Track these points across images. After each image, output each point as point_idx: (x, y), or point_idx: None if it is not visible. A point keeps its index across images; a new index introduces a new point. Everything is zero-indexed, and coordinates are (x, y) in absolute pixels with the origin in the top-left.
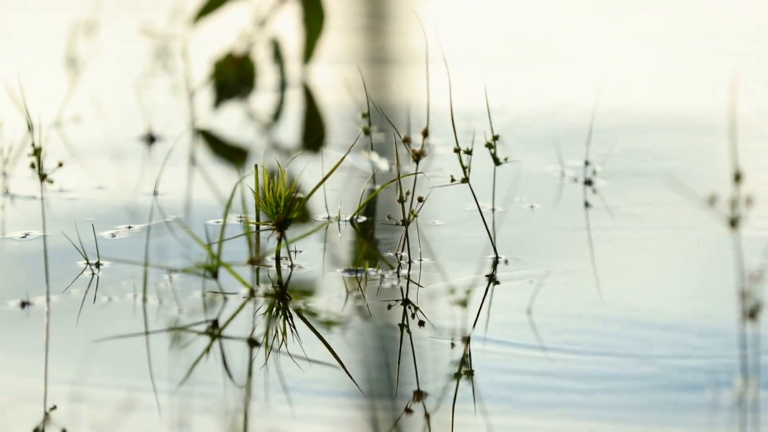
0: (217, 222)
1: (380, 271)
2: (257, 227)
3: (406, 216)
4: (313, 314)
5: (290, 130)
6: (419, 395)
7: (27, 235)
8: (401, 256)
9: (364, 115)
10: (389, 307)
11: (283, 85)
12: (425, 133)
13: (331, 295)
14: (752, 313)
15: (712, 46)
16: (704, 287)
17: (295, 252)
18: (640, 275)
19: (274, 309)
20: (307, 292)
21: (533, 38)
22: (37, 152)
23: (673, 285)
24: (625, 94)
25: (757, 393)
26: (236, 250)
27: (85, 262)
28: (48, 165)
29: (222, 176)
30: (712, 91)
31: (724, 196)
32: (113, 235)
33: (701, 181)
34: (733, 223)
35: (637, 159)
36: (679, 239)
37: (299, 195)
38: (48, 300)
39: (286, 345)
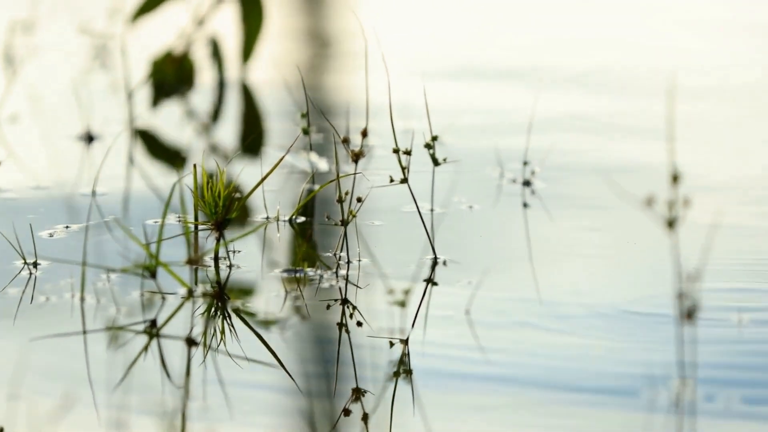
0: (156, 222)
1: (319, 272)
2: (196, 227)
3: (345, 216)
4: (252, 314)
5: (229, 129)
6: (358, 394)
7: None
8: (340, 257)
9: (303, 115)
10: (328, 307)
11: (221, 85)
12: (364, 134)
13: (270, 295)
14: (689, 314)
15: (660, 41)
16: (641, 288)
17: (234, 252)
18: (577, 276)
19: (213, 309)
20: (246, 292)
21: (473, 35)
22: None
23: (610, 286)
24: (565, 91)
25: (693, 394)
26: (175, 250)
27: (23, 261)
28: None
29: (160, 176)
30: (650, 90)
31: (662, 196)
32: (51, 235)
33: (640, 180)
34: (671, 223)
35: (575, 159)
36: (616, 240)
37: (238, 195)
38: None
39: (224, 345)
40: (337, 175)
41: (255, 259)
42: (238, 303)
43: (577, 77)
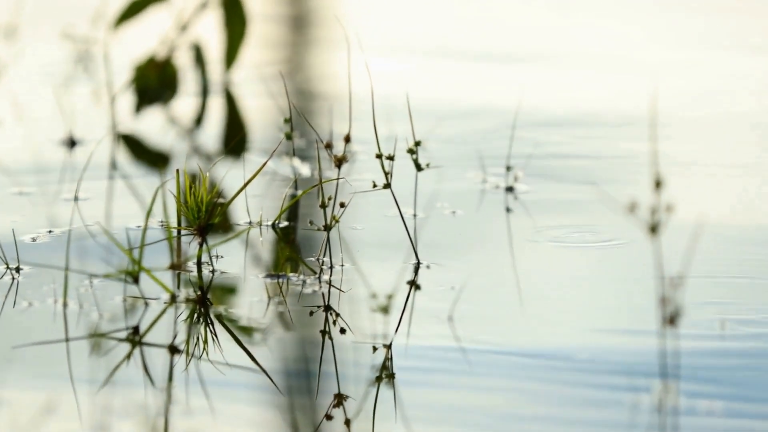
0: (139, 227)
1: (302, 277)
2: (179, 232)
3: (328, 221)
4: (234, 320)
5: (212, 135)
6: (340, 399)
7: None
8: (323, 262)
9: (286, 121)
10: (311, 312)
11: (204, 90)
12: (347, 139)
13: (253, 301)
14: (672, 319)
15: (635, 45)
16: (624, 292)
17: (217, 257)
18: (560, 280)
19: (195, 314)
20: (229, 297)
21: (457, 41)
22: None
23: (593, 290)
24: (548, 95)
25: (676, 398)
26: (158, 256)
27: (5, 266)
28: None
29: (143, 181)
30: (633, 93)
31: (645, 202)
32: (34, 240)
33: (623, 185)
34: (653, 229)
35: (559, 163)
36: (599, 244)
37: (221, 200)
38: None
39: (206, 350)
40: (320, 180)
41: (238, 264)
42: (220, 308)
43: (558, 72)
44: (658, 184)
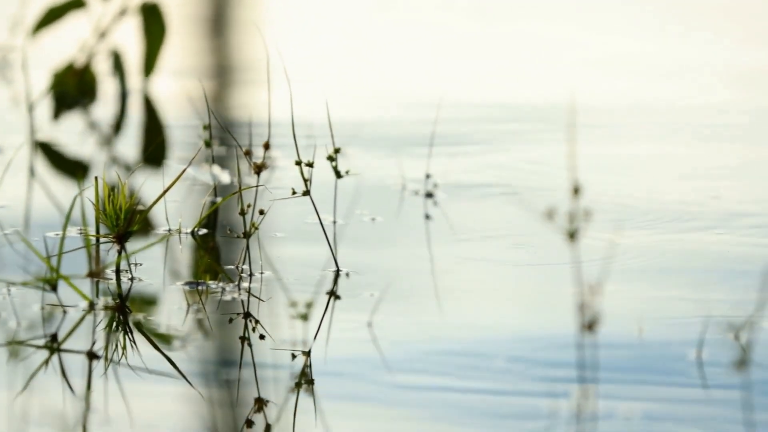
0: (57, 234)
1: (221, 284)
2: (97, 240)
3: (248, 229)
4: (153, 327)
5: (131, 142)
6: (260, 405)
7: None
8: (242, 269)
9: (205, 128)
10: (230, 320)
11: (123, 97)
12: (266, 146)
13: (172, 308)
14: (590, 325)
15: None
16: (543, 299)
17: (136, 265)
18: (479, 287)
19: (114, 322)
20: (148, 305)
21: (369, 45)
22: None
23: (512, 296)
24: (470, 96)
25: (595, 404)
26: (76, 264)
27: None
28: None
29: (62, 188)
30: (552, 93)
31: (563, 208)
32: None
33: (541, 191)
34: (572, 235)
35: (477, 169)
36: (517, 251)
37: (140, 207)
38: None
39: (125, 357)
40: (240, 188)
41: (157, 271)
42: (139, 316)
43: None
44: (576, 191)
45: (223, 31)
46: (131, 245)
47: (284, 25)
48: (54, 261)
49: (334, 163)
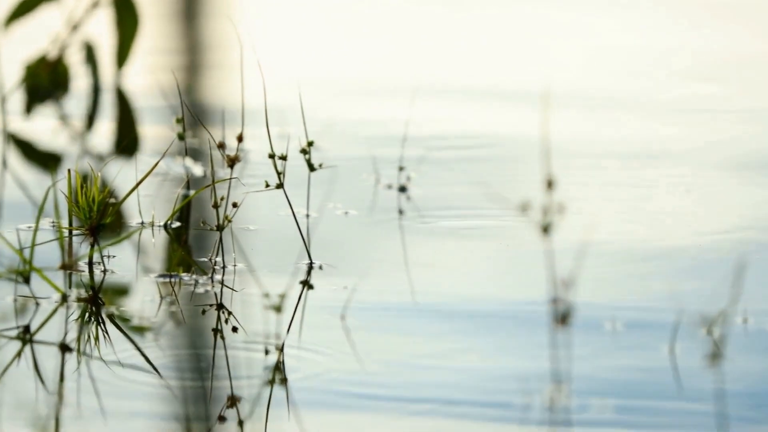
0: (30, 227)
1: (194, 277)
2: (70, 232)
3: (221, 221)
4: (126, 319)
5: (104, 134)
6: (232, 400)
7: None
8: (215, 262)
9: (178, 120)
10: (203, 312)
11: (96, 89)
12: (240, 138)
13: (145, 300)
14: (563, 319)
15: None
16: (516, 293)
17: (109, 257)
18: (452, 281)
19: (87, 314)
20: (120, 297)
21: (347, 37)
22: None
23: (485, 291)
24: (441, 97)
25: (568, 399)
26: (49, 256)
27: None
28: None
29: (35, 181)
30: (526, 100)
31: (537, 203)
32: None
33: (515, 186)
34: (545, 229)
35: (451, 165)
36: (491, 245)
37: (113, 200)
38: None
39: (98, 350)
40: (213, 180)
41: (130, 264)
42: (112, 308)
43: (454, 89)
44: (549, 185)
45: (197, 22)
46: (104, 238)
47: (258, 15)
48: (27, 253)
49: (307, 156)
